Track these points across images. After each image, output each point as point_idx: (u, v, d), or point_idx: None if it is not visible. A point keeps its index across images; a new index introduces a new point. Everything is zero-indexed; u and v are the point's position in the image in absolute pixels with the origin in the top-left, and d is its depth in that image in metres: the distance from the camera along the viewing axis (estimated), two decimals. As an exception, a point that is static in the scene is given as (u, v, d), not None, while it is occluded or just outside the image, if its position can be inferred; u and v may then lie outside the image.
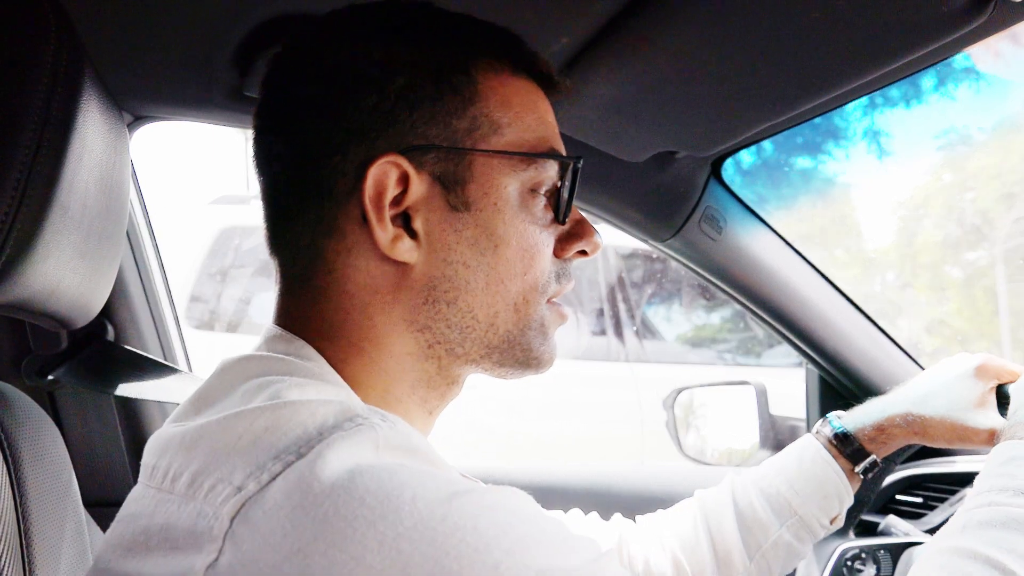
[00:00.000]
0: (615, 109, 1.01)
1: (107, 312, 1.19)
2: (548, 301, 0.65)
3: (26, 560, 0.64)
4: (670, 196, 1.22)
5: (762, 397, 1.54)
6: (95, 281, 0.68)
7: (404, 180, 0.58)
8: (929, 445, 0.84)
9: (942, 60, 0.86)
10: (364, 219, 0.58)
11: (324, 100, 0.59)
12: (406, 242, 0.59)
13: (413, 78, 0.58)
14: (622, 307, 3.62)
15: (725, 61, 0.86)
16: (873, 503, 1.30)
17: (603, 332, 3.59)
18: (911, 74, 0.90)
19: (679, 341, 3.99)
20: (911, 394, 0.85)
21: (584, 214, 0.68)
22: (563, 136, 0.67)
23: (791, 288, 1.29)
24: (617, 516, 0.93)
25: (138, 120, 1.14)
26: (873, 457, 0.85)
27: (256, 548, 0.43)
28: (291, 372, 0.55)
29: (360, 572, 0.42)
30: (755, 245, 1.28)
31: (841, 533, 1.21)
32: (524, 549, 0.45)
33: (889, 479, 1.30)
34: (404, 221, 0.59)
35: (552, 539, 0.47)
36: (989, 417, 0.80)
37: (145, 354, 1.18)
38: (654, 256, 3.71)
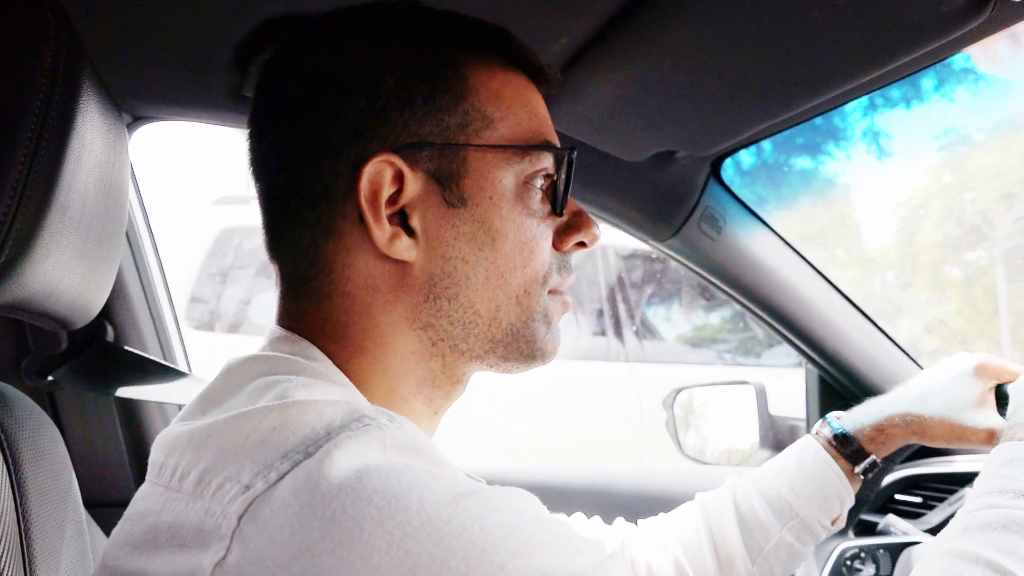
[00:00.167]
0: (615, 109, 1.01)
1: (107, 313, 1.19)
2: (550, 292, 0.65)
3: (26, 560, 0.64)
4: (669, 196, 1.22)
5: (762, 397, 1.54)
6: (94, 281, 0.68)
7: (399, 178, 0.59)
8: (928, 445, 0.84)
9: (942, 60, 0.86)
10: (361, 219, 0.58)
11: (316, 103, 0.59)
12: (404, 240, 0.59)
13: (403, 77, 0.59)
14: (622, 307, 3.62)
15: (725, 61, 0.86)
16: (872, 503, 1.30)
17: (603, 332, 3.59)
18: (911, 74, 0.90)
19: (679, 341, 3.98)
20: (910, 394, 0.85)
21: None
22: (562, 136, 0.67)
23: (791, 288, 1.29)
24: (620, 520, 0.93)
25: (138, 120, 1.14)
26: (873, 457, 0.85)
27: (264, 546, 0.44)
28: (297, 372, 0.56)
29: (367, 571, 0.42)
30: (754, 245, 1.28)
31: (840, 532, 1.21)
32: (530, 550, 0.45)
33: (888, 479, 1.30)
34: (401, 219, 0.59)
35: (558, 541, 0.47)
36: (988, 417, 0.80)
37: (145, 355, 1.18)
38: (654, 256, 3.71)
